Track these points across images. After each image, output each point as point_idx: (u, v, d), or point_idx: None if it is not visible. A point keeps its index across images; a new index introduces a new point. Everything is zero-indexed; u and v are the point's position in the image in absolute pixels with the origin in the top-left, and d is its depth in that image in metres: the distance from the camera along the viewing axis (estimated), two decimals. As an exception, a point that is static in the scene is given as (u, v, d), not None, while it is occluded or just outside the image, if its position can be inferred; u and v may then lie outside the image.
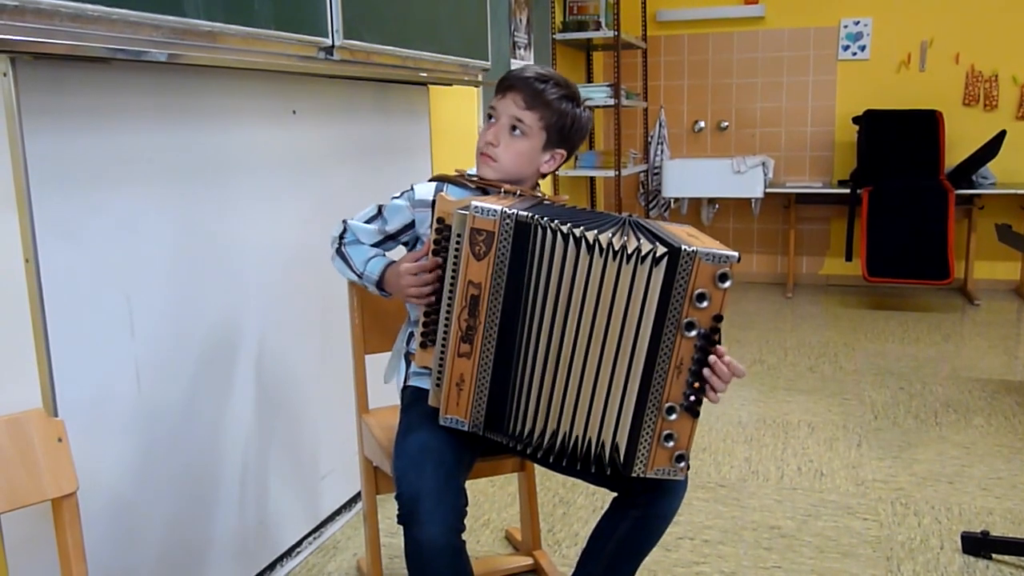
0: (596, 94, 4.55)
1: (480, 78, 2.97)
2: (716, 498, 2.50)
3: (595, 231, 1.34)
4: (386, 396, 1.89)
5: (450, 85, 2.91)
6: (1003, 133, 4.70)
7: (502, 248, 1.37)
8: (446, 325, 1.41)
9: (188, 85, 1.77)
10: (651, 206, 5.66)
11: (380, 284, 1.64)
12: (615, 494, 1.55)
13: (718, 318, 1.32)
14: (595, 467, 1.40)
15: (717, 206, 5.66)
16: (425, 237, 1.60)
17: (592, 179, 5.43)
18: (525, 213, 1.36)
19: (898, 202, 4.73)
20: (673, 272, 1.30)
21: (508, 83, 1.62)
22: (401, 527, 1.38)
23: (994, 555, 2.12)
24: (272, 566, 2.11)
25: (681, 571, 2.11)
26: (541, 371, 1.39)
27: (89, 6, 1.35)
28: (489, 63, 2.94)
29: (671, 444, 1.36)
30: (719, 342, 1.36)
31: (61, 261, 1.48)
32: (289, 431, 2.18)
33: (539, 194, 1.63)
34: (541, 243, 1.36)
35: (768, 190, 5.11)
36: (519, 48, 3.96)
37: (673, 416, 1.35)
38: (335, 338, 2.23)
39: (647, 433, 1.36)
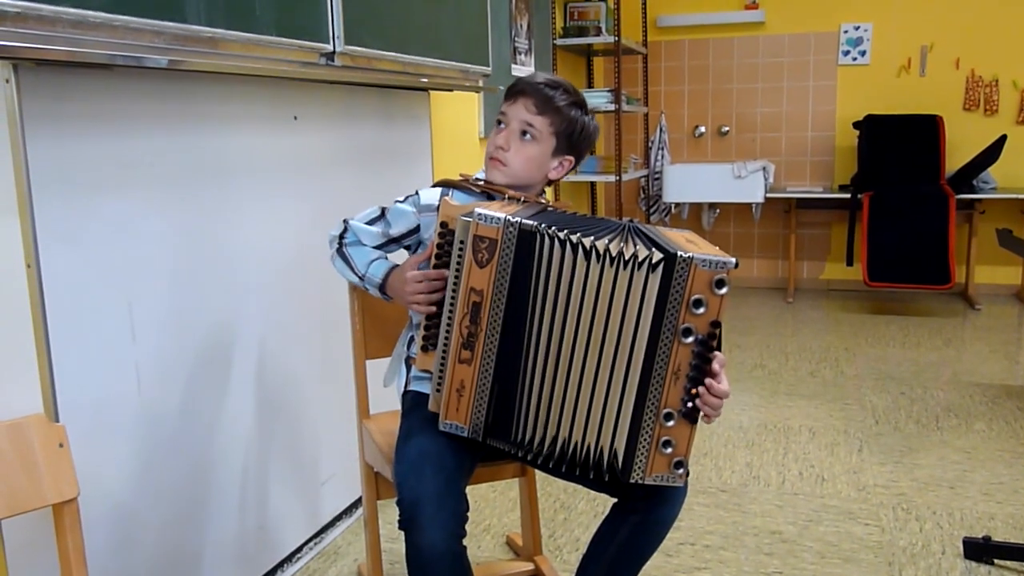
0: (597, 99, 4.55)
1: (481, 84, 2.98)
2: (717, 503, 2.50)
3: (596, 238, 1.34)
4: (387, 401, 1.89)
5: (451, 91, 2.92)
6: (1003, 138, 4.71)
7: (505, 256, 1.37)
8: (447, 331, 1.41)
9: (189, 91, 1.78)
10: (652, 211, 5.67)
11: (383, 287, 1.63)
12: (615, 500, 1.55)
13: (716, 324, 1.32)
14: (594, 473, 1.40)
15: (718, 211, 5.67)
16: (429, 242, 1.60)
17: (593, 184, 5.43)
18: (528, 221, 1.36)
19: (899, 207, 4.73)
20: (669, 278, 1.30)
21: (518, 89, 1.63)
22: (402, 533, 1.38)
23: (996, 560, 2.12)
24: (273, 571, 2.10)
25: (682, 576, 2.11)
26: (543, 378, 1.39)
27: (91, 13, 1.36)
28: (490, 69, 2.95)
29: (669, 450, 1.36)
30: (719, 348, 1.36)
31: (62, 266, 1.48)
32: (290, 436, 2.18)
33: (543, 200, 1.63)
34: (543, 251, 1.36)
35: (769, 195, 5.12)
36: (520, 54, 3.97)
37: (671, 423, 1.35)
38: (336, 343, 2.24)
39: (645, 439, 1.35)
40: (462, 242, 1.38)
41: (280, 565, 2.14)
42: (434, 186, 1.67)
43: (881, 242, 4.72)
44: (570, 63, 5.13)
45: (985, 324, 4.59)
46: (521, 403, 1.41)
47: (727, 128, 5.60)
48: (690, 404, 1.35)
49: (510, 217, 1.36)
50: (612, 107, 4.53)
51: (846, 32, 5.25)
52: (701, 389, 1.35)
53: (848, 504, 2.47)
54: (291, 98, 2.13)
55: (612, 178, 4.59)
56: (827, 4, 5.26)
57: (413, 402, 1.64)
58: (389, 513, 2.11)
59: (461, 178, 1.66)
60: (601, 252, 1.33)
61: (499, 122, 1.65)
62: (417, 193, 1.65)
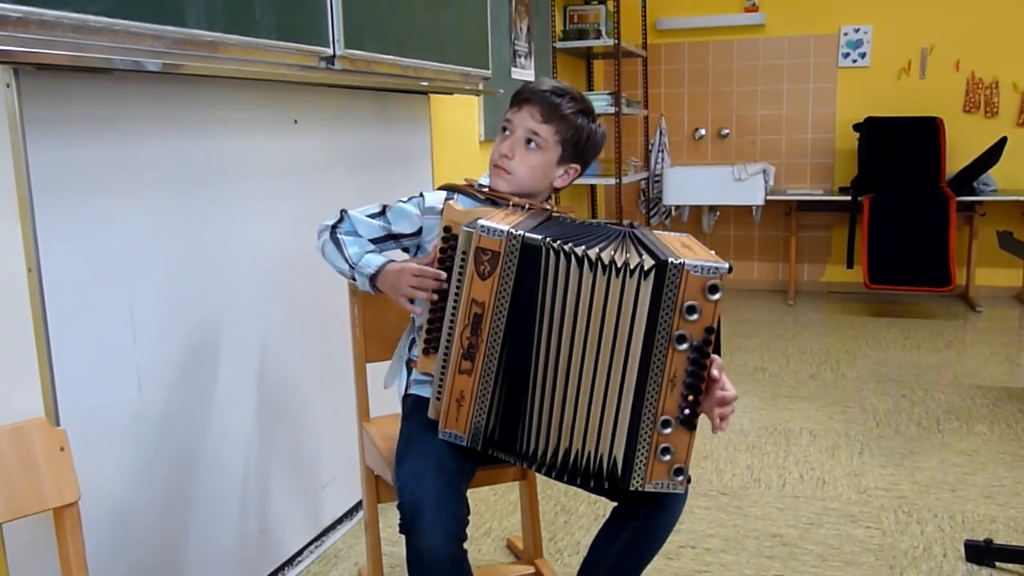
0: (597, 102, 4.55)
1: (481, 87, 2.98)
2: (718, 506, 2.50)
3: (597, 248, 1.33)
4: (387, 405, 1.89)
5: (451, 94, 2.92)
6: (1004, 140, 4.70)
7: (507, 269, 1.36)
8: (448, 341, 1.41)
9: (190, 94, 1.78)
10: (652, 214, 5.67)
11: (374, 279, 1.59)
12: (616, 504, 1.55)
13: (710, 330, 1.31)
14: (595, 481, 1.40)
15: (718, 214, 5.67)
16: (430, 246, 1.59)
17: (593, 187, 5.43)
18: (532, 235, 1.36)
19: (899, 209, 4.73)
20: (661, 285, 1.30)
21: (524, 96, 1.61)
22: (403, 536, 1.38)
23: (998, 563, 2.12)
24: (273, 575, 2.10)
25: (683, 579, 2.10)
26: (547, 390, 1.39)
27: (91, 17, 1.36)
28: (490, 72, 2.95)
29: (668, 458, 1.35)
30: (718, 352, 1.35)
31: (63, 269, 1.48)
32: (290, 439, 2.18)
33: (548, 207, 1.62)
34: (547, 265, 1.36)
35: (769, 197, 5.12)
36: (520, 57, 3.97)
37: (668, 430, 1.34)
38: (336, 347, 2.24)
39: (643, 447, 1.35)
40: (464, 253, 1.37)
41: (280, 568, 2.13)
42: (439, 189, 1.66)
43: (881, 244, 4.72)
44: (570, 66, 5.14)
45: (986, 326, 4.59)
46: (526, 415, 1.41)
47: (727, 131, 5.60)
48: (688, 411, 1.34)
49: (513, 230, 1.36)
50: (612, 110, 4.53)
51: (846, 34, 5.26)
52: (707, 398, 1.34)
53: (849, 507, 2.47)
54: (291, 102, 2.13)
55: (612, 181, 4.60)
56: (827, 6, 5.26)
57: (414, 406, 1.64)
58: (390, 516, 2.11)
59: (466, 183, 1.66)
60: (594, 260, 1.33)
61: (504, 129, 1.63)
62: (422, 195, 1.64)
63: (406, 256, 1.70)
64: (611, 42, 4.56)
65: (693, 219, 5.67)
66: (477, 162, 3.48)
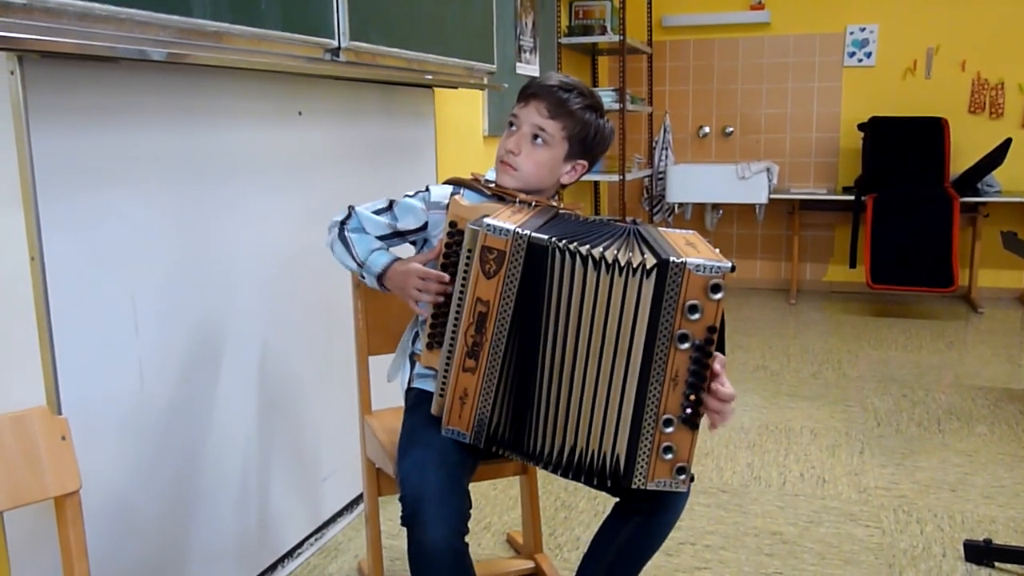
0: (601, 99, 4.55)
1: (485, 81, 2.98)
2: (718, 504, 2.50)
3: (601, 247, 1.33)
4: (389, 398, 1.89)
5: (455, 88, 2.91)
6: (1009, 141, 4.69)
7: (512, 268, 1.36)
8: (452, 338, 1.41)
9: (194, 85, 1.78)
10: (655, 211, 5.66)
11: (381, 278, 1.61)
12: (617, 499, 1.55)
13: (712, 329, 1.30)
14: (598, 479, 1.40)
15: (721, 212, 5.66)
16: (436, 240, 1.59)
17: (597, 184, 5.43)
18: (538, 234, 1.35)
19: (902, 209, 4.72)
20: (663, 284, 1.29)
21: (531, 91, 1.59)
22: (404, 529, 1.38)
23: (997, 563, 2.12)
24: (273, 567, 2.10)
25: (682, 576, 2.11)
26: (554, 389, 1.39)
27: (97, 5, 1.36)
28: (495, 66, 2.94)
29: (670, 456, 1.35)
30: (722, 350, 1.35)
31: (66, 259, 1.48)
32: (291, 432, 2.18)
33: (555, 204, 1.61)
34: (553, 265, 1.35)
35: (772, 196, 5.11)
36: (524, 52, 3.96)
37: (670, 429, 1.34)
38: (338, 339, 2.24)
39: (645, 445, 1.35)
40: (470, 251, 1.37)
41: (281, 560, 2.14)
42: (445, 183, 1.65)
43: (884, 244, 4.72)
44: (575, 62, 5.13)
45: (988, 327, 4.58)
46: (533, 414, 1.41)
47: (731, 129, 5.60)
48: (690, 410, 1.34)
49: (519, 229, 1.35)
50: (616, 107, 4.52)
51: (852, 33, 5.25)
52: (705, 395, 1.34)
53: (849, 506, 2.47)
54: (296, 93, 2.13)
55: (616, 178, 4.59)
56: (833, 5, 5.25)
57: (417, 399, 1.63)
58: (390, 509, 2.11)
59: (472, 177, 1.65)
60: (598, 259, 1.32)
61: (511, 124, 1.62)
62: (428, 189, 1.63)
63: (414, 251, 1.69)
64: (616, 38, 4.55)
65: (696, 217, 5.66)
66: (481, 157, 3.47)
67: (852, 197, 4.91)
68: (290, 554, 2.17)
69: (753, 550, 2.22)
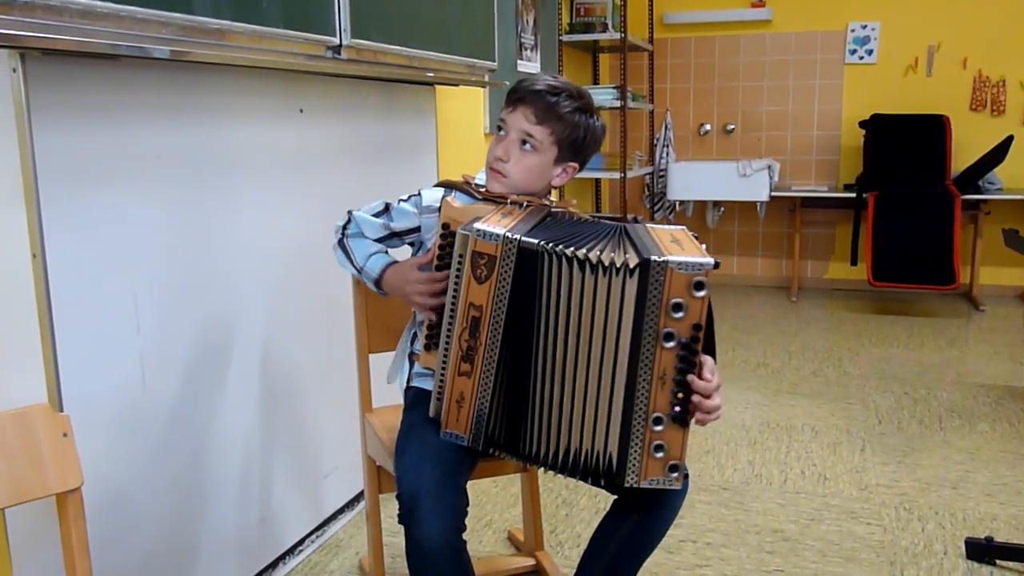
0: (602, 96, 4.54)
1: (486, 79, 2.97)
2: (719, 501, 2.50)
3: (586, 248, 1.33)
4: (389, 395, 1.89)
5: (456, 85, 2.91)
6: (1010, 138, 4.69)
7: (504, 273, 1.36)
8: (447, 342, 1.41)
9: (196, 82, 1.78)
10: (656, 209, 5.66)
11: (379, 282, 1.62)
12: (616, 497, 1.55)
13: (698, 327, 1.30)
14: (592, 478, 1.40)
15: (722, 209, 5.66)
16: (430, 243, 1.59)
17: (598, 181, 5.43)
18: (528, 239, 1.35)
19: (904, 207, 4.72)
20: (646, 283, 1.29)
21: (518, 96, 1.57)
22: (402, 526, 1.39)
23: (998, 561, 2.12)
24: (274, 564, 2.11)
25: (683, 574, 2.10)
26: (548, 391, 1.39)
27: (98, 3, 1.36)
28: (496, 64, 2.94)
29: (661, 455, 1.35)
30: (712, 350, 1.34)
31: (68, 256, 1.48)
32: (292, 429, 2.18)
33: (547, 202, 1.61)
34: (544, 268, 1.35)
35: (774, 194, 5.11)
36: (526, 49, 3.96)
37: (660, 427, 1.34)
38: (339, 337, 2.24)
39: (636, 444, 1.35)
40: (461, 256, 1.37)
41: (282, 557, 2.14)
42: (436, 186, 1.65)
43: (886, 242, 4.71)
44: (576, 59, 5.13)
45: (989, 325, 4.58)
46: (528, 416, 1.41)
47: (732, 126, 5.59)
48: (679, 408, 1.34)
49: (509, 234, 1.35)
50: (617, 104, 4.52)
51: (853, 31, 5.24)
52: (691, 377, 1.33)
53: (850, 503, 2.47)
54: (297, 91, 2.13)
55: (617, 175, 4.59)
56: (834, 2, 5.24)
57: (416, 398, 1.64)
58: (391, 507, 2.11)
59: (463, 179, 1.65)
60: (583, 260, 1.32)
61: (500, 129, 1.61)
62: (419, 193, 1.63)
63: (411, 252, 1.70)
64: (617, 36, 4.55)
65: (697, 214, 5.66)
66: (481, 154, 3.45)
67: (853, 195, 4.91)
68: (291, 551, 2.18)
69: (754, 548, 2.23)
